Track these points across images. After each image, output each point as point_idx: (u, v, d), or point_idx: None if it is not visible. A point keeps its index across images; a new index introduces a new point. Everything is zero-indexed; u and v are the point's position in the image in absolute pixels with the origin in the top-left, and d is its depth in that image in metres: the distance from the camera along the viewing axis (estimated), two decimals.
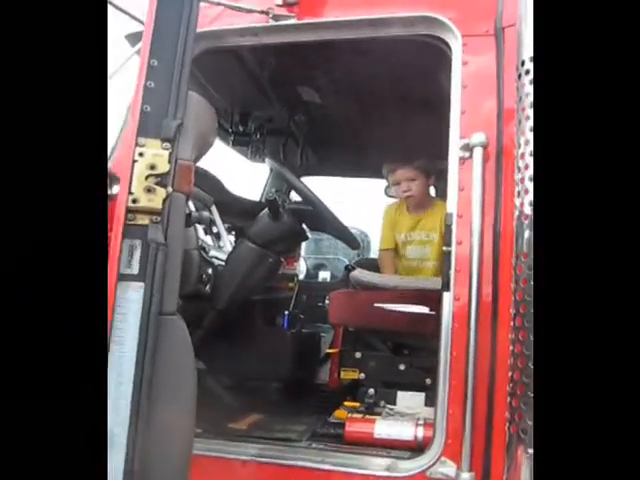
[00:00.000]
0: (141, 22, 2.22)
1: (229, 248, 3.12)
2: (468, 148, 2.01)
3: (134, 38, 2.45)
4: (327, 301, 3.70)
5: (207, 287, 2.56)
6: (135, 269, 1.45)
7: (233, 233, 3.45)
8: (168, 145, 1.48)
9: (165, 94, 1.52)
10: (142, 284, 1.44)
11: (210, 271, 2.58)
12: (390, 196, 4.43)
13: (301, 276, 4.59)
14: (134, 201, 1.45)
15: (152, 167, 1.46)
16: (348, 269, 3.89)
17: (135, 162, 1.46)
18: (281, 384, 3.22)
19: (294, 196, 3.87)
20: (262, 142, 3.73)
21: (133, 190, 1.45)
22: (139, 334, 1.41)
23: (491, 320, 1.91)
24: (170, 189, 1.47)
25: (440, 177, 3.16)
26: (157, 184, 1.46)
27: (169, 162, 1.47)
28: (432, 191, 3.71)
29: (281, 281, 3.51)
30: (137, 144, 1.47)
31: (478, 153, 1.97)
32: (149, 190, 1.45)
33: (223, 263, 2.80)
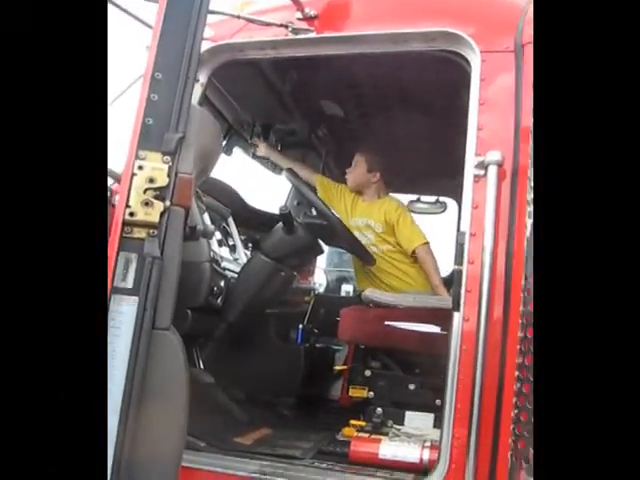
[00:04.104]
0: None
1: (244, 260, 3.11)
2: (483, 166, 1.96)
3: None
4: None
5: (219, 300, 2.55)
6: (130, 283, 1.44)
7: (250, 245, 3.44)
8: (168, 158, 1.48)
9: (168, 107, 1.52)
10: (136, 298, 1.43)
11: (222, 284, 2.57)
12: (413, 210, 4.40)
13: (321, 289, 4.58)
14: (131, 214, 1.45)
15: (151, 180, 1.46)
16: None
17: (134, 175, 1.46)
18: (292, 399, 3.19)
19: None
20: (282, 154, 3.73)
21: (131, 203, 1.45)
22: (131, 348, 1.41)
23: (500, 343, 1.86)
24: (168, 203, 1.46)
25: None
26: (155, 197, 1.46)
27: (168, 176, 1.46)
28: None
29: (297, 295, 3.48)
30: (137, 157, 1.47)
31: (493, 171, 1.92)
32: (147, 203, 1.45)
33: (236, 275, 2.80)
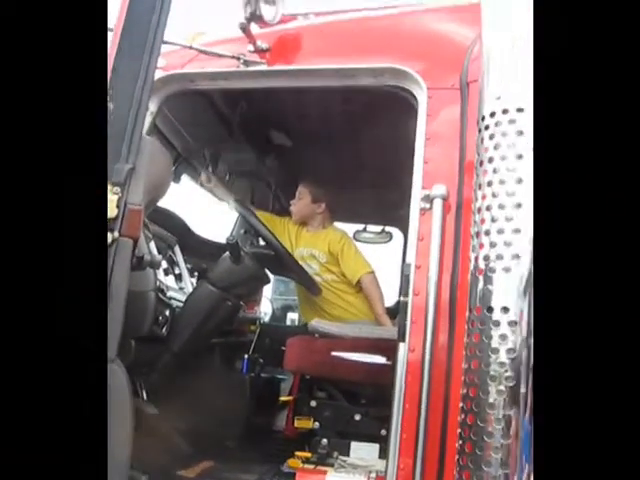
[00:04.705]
0: None
1: (190, 289, 3.08)
2: (429, 199, 2.00)
3: None
4: None
5: (163, 329, 2.50)
6: None
7: (196, 274, 3.41)
8: (118, 189, 1.47)
9: (119, 138, 1.51)
10: None
11: (167, 313, 2.54)
12: (359, 240, 4.46)
13: (266, 318, 4.56)
14: None
15: None
16: None
17: None
18: (237, 429, 3.15)
19: None
20: (231, 184, 3.73)
21: None
22: None
23: (445, 374, 1.89)
24: (116, 234, 1.45)
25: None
26: None
27: (117, 207, 1.46)
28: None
29: (243, 324, 3.46)
30: None
31: (438, 205, 1.96)
32: None
33: (182, 304, 2.76)
